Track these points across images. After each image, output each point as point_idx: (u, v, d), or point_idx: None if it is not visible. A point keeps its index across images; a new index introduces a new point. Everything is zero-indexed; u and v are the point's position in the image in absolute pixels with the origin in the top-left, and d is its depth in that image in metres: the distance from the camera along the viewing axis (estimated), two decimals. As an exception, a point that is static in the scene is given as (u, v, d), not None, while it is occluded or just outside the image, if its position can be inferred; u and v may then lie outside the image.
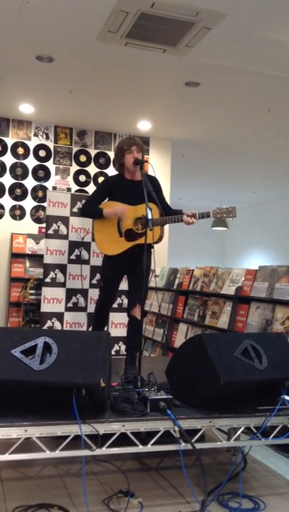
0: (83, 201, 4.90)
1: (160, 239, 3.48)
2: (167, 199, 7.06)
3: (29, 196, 6.49)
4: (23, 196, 6.47)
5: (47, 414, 2.35)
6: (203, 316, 4.84)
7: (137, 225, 3.49)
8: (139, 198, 3.36)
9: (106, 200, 3.65)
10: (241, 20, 3.84)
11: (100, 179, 6.77)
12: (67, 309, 4.88)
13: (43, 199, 6.44)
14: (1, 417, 2.28)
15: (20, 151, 6.46)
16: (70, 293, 4.87)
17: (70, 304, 4.88)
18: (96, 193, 3.72)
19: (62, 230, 4.96)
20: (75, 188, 6.68)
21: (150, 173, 5.82)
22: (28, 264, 6.24)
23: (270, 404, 2.68)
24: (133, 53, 4.43)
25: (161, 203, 3.44)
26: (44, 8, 3.78)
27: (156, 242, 3.43)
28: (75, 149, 6.70)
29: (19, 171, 6.45)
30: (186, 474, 2.50)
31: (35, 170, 6.52)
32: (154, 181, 3.57)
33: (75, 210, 4.94)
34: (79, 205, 4.92)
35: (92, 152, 6.78)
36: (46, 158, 6.57)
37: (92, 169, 6.78)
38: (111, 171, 6.77)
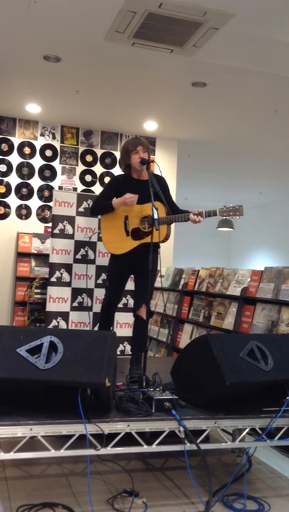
0: (89, 201, 4.91)
1: (166, 238, 3.48)
2: (173, 199, 7.08)
3: (35, 196, 6.50)
4: (29, 196, 6.48)
5: (52, 413, 2.36)
6: (208, 316, 4.83)
7: (144, 224, 3.49)
8: (146, 197, 3.36)
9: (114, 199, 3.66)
10: (249, 21, 3.83)
11: (106, 179, 6.77)
12: (73, 309, 4.88)
13: (49, 199, 6.45)
14: (6, 416, 2.29)
15: (27, 150, 6.47)
16: (76, 292, 4.88)
17: (75, 304, 4.89)
18: (104, 191, 3.73)
19: (68, 229, 4.97)
20: (81, 187, 6.69)
21: (156, 173, 5.82)
22: (33, 263, 6.25)
23: (276, 405, 2.67)
24: (140, 53, 4.43)
25: (168, 203, 3.44)
26: (52, 8, 3.79)
27: (163, 241, 3.43)
28: (81, 149, 6.71)
29: (25, 171, 6.46)
30: (191, 475, 2.50)
31: (41, 169, 6.53)
32: (161, 181, 3.57)
33: (81, 209, 4.94)
34: (85, 204, 4.92)
35: (99, 152, 6.79)
36: (52, 158, 6.58)
37: (99, 169, 6.79)
38: (117, 170, 6.77)
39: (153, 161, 3.54)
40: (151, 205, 3.17)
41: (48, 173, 6.56)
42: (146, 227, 3.47)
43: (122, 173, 3.74)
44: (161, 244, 3.48)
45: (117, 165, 6.81)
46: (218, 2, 3.59)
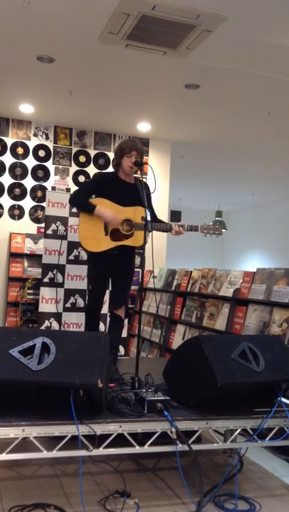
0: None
1: (144, 244, 3.50)
2: (166, 200, 7.11)
3: (28, 196, 6.49)
4: (22, 196, 6.47)
5: (44, 414, 2.36)
6: (201, 317, 4.85)
7: (125, 226, 3.51)
8: (130, 199, 3.46)
9: (93, 196, 3.64)
10: (242, 24, 3.85)
11: (99, 180, 6.77)
12: (66, 309, 4.89)
13: (42, 199, 6.44)
14: (-2, 417, 2.29)
15: (20, 150, 6.46)
16: (69, 293, 4.88)
17: (68, 305, 4.89)
18: (88, 185, 3.78)
19: (61, 230, 4.97)
20: (74, 188, 6.67)
21: (150, 174, 5.83)
22: (26, 263, 6.24)
23: (267, 406, 2.69)
24: (134, 55, 4.44)
25: (149, 210, 3.50)
26: (45, 9, 3.79)
27: (140, 248, 3.41)
28: (74, 150, 6.71)
29: (18, 171, 6.45)
30: (183, 475, 2.51)
31: (34, 170, 6.52)
32: (146, 188, 3.62)
33: (74, 210, 4.94)
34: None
35: (92, 153, 6.79)
36: (46, 159, 6.58)
37: (92, 170, 6.78)
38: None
39: (146, 163, 3.57)
40: (144, 207, 3.24)
41: (41, 173, 6.55)
42: (126, 230, 3.50)
43: (112, 170, 3.75)
44: (154, 245, 3.48)
45: (110, 166, 6.80)
46: (211, 5, 3.61)
